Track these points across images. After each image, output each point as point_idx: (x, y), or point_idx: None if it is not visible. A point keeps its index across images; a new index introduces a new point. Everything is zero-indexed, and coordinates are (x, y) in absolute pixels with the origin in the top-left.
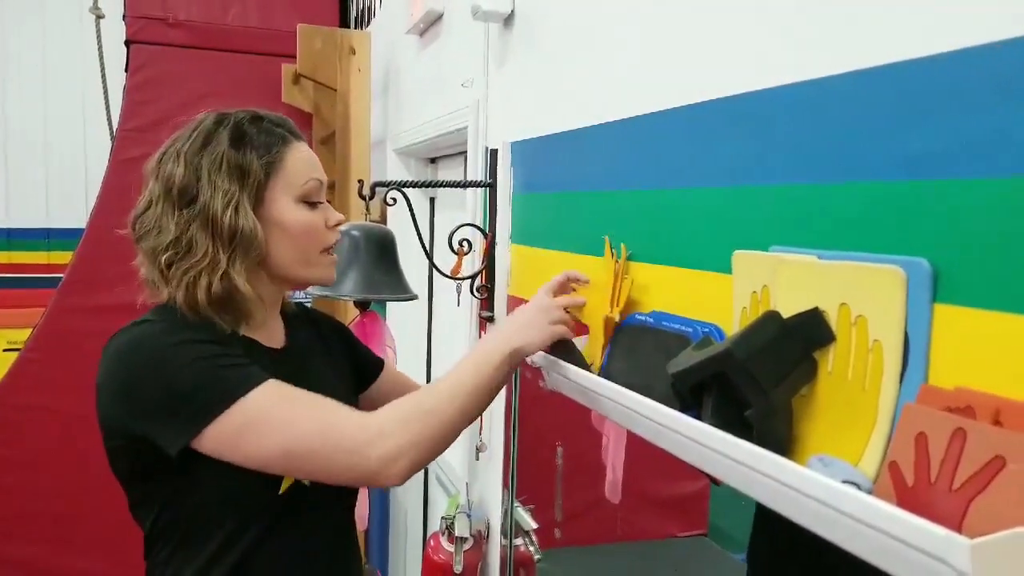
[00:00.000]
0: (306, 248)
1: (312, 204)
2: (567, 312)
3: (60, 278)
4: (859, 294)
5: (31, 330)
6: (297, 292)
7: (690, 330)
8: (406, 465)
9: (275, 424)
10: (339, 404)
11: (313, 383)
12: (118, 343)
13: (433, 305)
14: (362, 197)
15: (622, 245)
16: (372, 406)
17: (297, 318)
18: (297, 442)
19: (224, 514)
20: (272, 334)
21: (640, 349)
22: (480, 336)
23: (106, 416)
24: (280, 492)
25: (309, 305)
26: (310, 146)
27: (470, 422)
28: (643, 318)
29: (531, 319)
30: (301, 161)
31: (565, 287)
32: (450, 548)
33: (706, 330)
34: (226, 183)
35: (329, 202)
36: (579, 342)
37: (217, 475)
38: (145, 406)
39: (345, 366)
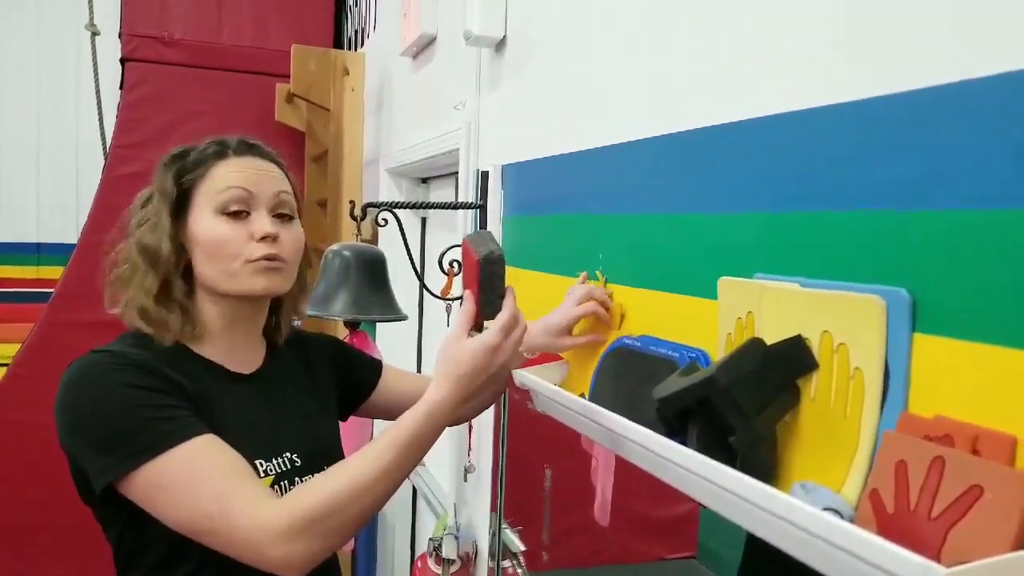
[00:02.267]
0: (222, 261)
1: (234, 215)
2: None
3: (50, 293)
4: (841, 322)
5: (19, 345)
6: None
7: (677, 355)
8: (299, 568)
9: (179, 494)
10: (255, 484)
11: (275, 410)
12: (68, 373)
13: (423, 326)
14: (353, 218)
15: (598, 271)
16: (382, 407)
17: (288, 343)
18: (197, 521)
19: (180, 545)
20: (243, 357)
21: (628, 373)
22: None
23: (59, 439)
24: None
25: (298, 323)
26: (300, 164)
27: (390, 496)
28: (631, 342)
29: (482, 386)
30: (227, 173)
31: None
32: (437, 570)
33: (693, 355)
34: (151, 206)
35: (289, 218)
36: (556, 367)
37: None
38: (81, 439)
39: (329, 392)
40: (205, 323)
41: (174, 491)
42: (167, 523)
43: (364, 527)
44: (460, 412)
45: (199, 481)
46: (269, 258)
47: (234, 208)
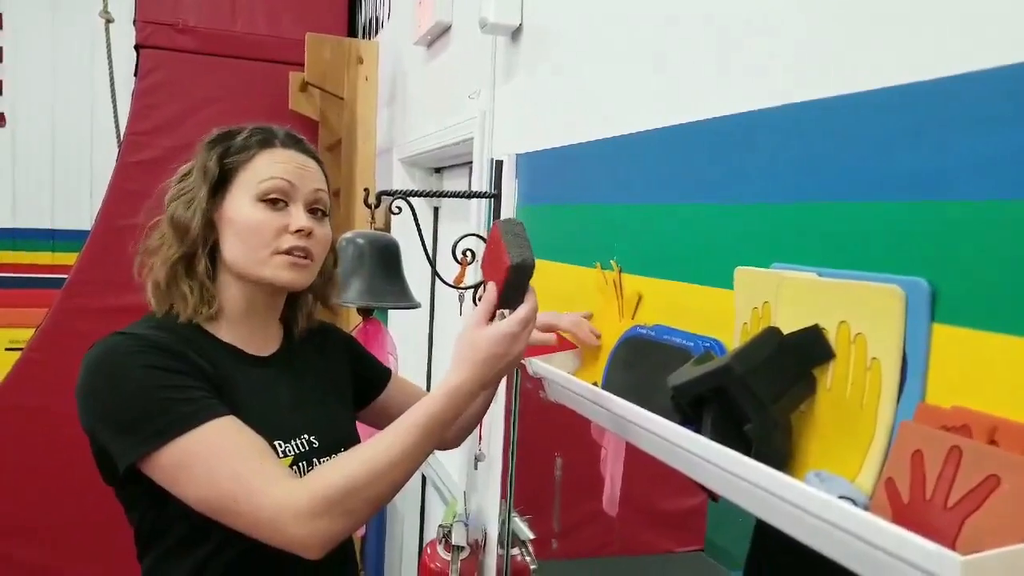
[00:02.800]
0: (254, 246)
1: (273, 204)
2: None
3: (64, 279)
4: (858, 312)
5: (34, 330)
6: None
7: (691, 344)
8: (320, 547)
9: (200, 473)
10: (275, 463)
11: (293, 393)
12: (90, 355)
13: (435, 314)
14: (367, 205)
15: (612, 260)
16: (381, 414)
17: (308, 333)
18: (218, 500)
19: (209, 519)
20: (260, 341)
21: (641, 362)
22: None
23: (81, 420)
24: None
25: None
26: (316, 158)
27: (410, 476)
28: (645, 331)
29: (497, 366)
30: (271, 162)
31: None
32: (446, 557)
33: (707, 344)
34: (189, 181)
35: (324, 215)
36: (570, 356)
37: None
38: (104, 420)
39: (345, 381)
40: (223, 304)
41: (195, 471)
42: (189, 503)
43: (383, 507)
44: (476, 398)
45: (220, 461)
46: (299, 253)
47: (273, 197)
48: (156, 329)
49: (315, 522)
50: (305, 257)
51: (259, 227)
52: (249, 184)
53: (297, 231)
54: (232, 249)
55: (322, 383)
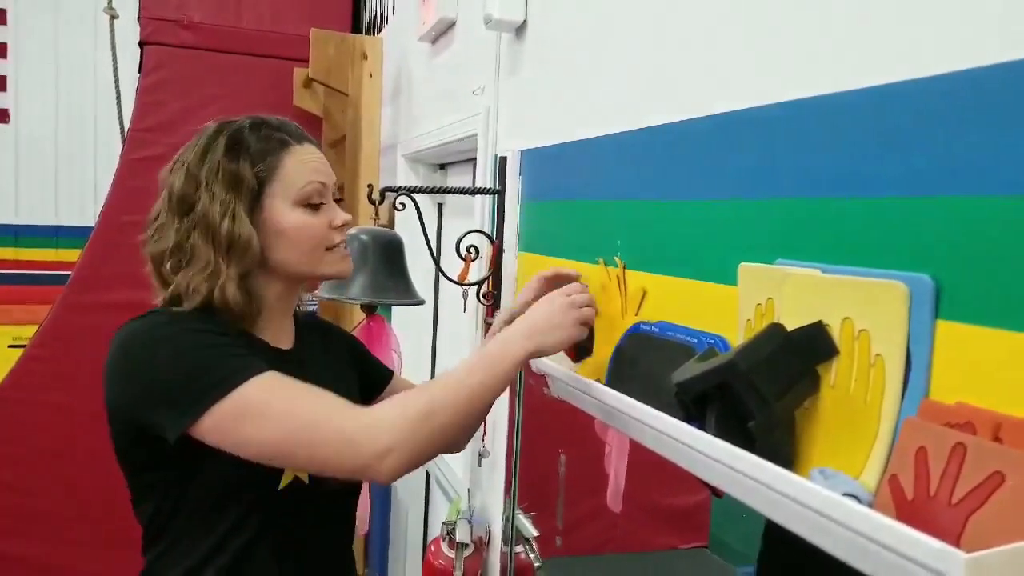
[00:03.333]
0: (308, 250)
1: (314, 207)
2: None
3: (68, 275)
4: (862, 309)
5: (37, 327)
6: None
7: (695, 341)
8: (397, 462)
9: (273, 413)
10: (339, 397)
11: (315, 383)
12: (124, 332)
13: (439, 311)
14: (371, 202)
15: (616, 256)
16: None
17: (307, 325)
18: (293, 433)
19: (222, 509)
20: (280, 335)
21: (644, 358)
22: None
23: (111, 403)
24: (280, 488)
25: (315, 307)
26: (320, 148)
27: (475, 423)
28: (648, 328)
29: (559, 320)
30: (300, 165)
31: (562, 278)
32: (450, 554)
33: (711, 341)
34: (222, 192)
35: (340, 201)
36: None
37: (217, 465)
38: (148, 391)
39: (351, 375)
40: (262, 305)
41: (265, 411)
42: (248, 449)
43: (452, 441)
44: (530, 331)
45: (289, 396)
46: (343, 243)
47: (315, 201)
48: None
49: (402, 437)
50: (345, 246)
51: (311, 231)
52: (286, 190)
53: (341, 225)
54: (283, 254)
55: (335, 375)
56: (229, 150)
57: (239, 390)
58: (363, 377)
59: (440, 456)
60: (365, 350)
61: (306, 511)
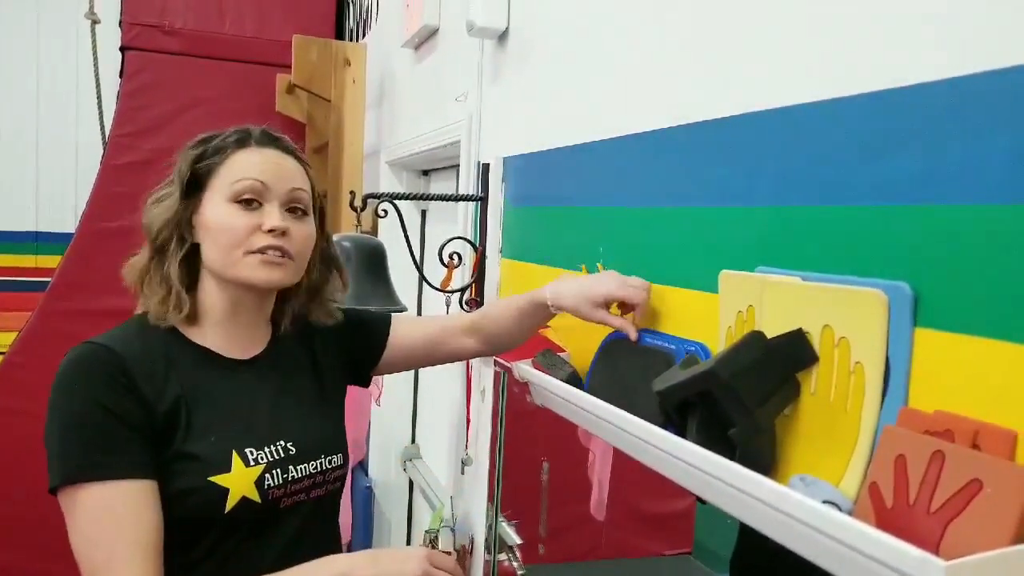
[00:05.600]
0: (226, 247)
1: (247, 204)
2: None
3: (47, 282)
4: (842, 316)
5: (16, 334)
6: None
7: (673, 347)
8: None
9: (76, 527)
10: (145, 564)
11: (272, 397)
12: (61, 365)
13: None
14: (353, 208)
15: (598, 263)
16: (398, 362)
17: (297, 331)
18: (82, 563)
19: (173, 531)
20: (244, 343)
21: (623, 365)
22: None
23: None
24: (226, 511)
25: None
26: (303, 154)
27: None
28: None
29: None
30: (243, 161)
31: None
32: None
33: (691, 348)
34: (165, 186)
35: (312, 212)
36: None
37: (161, 490)
38: (46, 436)
39: (337, 376)
40: (205, 307)
41: (74, 526)
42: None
43: None
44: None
45: (103, 529)
46: (274, 251)
47: (246, 197)
48: (136, 335)
49: None
50: (282, 256)
51: (231, 228)
52: (223, 185)
53: (270, 230)
54: (209, 251)
55: (307, 384)
56: (187, 149)
57: (71, 490)
58: (358, 352)
59: (423, 464)
60: (357, 318)
61: (266, 531)
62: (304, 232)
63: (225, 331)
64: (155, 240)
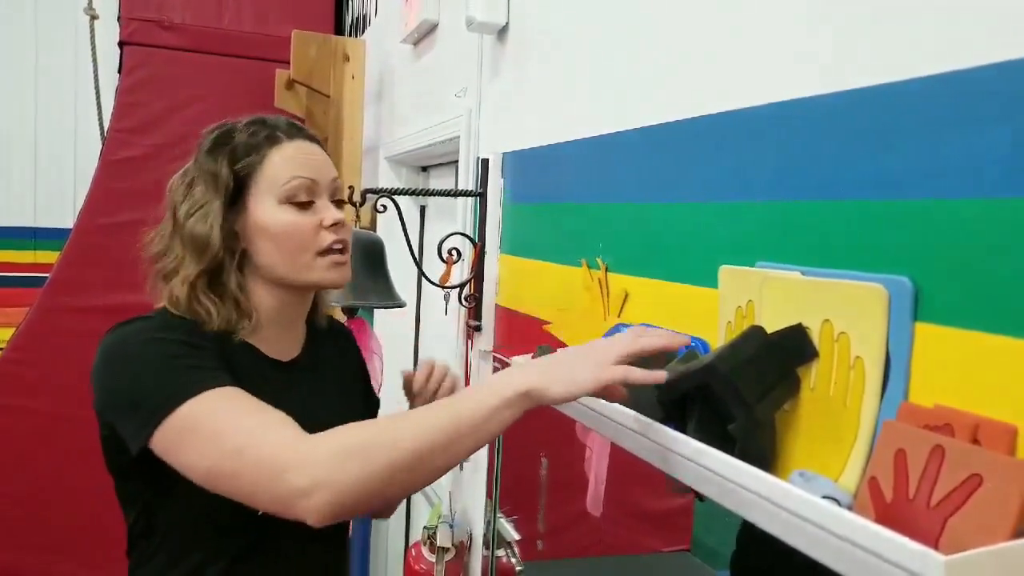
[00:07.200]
0: (291, 251)
1: (301, 204)
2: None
3: (46, 278)
4: (842, 311)
5: (13, 330)
6: None
7: None
8: (324, 503)
9: (204, 436)
10: (285, 421)
11: (309, 398)
12: (106, 340)
13: (421, 313)
14: (352, 204)
15: (598, 259)
16: None
17: (328, 332)
18: (218, 461)
19: (201, 530)
20: (283, 345)
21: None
22: (468, 344)
23: (96, 406)
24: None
25: None
26: (321, 145)
27: (433, 470)
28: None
29: (572, 360)
30: (285, 160)
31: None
32: (431, 558)
33: (691, 344)
34: (199, 192)
35: (344, 203)
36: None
37: (191, 488)
38: (116, 402)
39: (358, 387)
40: (259, 313)
41: (201, 433)
42: (193, 475)
43: (408, 483)
44: (533, 370)
45: (227, 420)
46: (338, 247)
47: (302, 198)
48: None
49: (321, 471)
50: (343, 251)
51: (295, 231)
52: (271, 187)
53: (332, 225)
54: (269, 256)
55: (341, 385)
56: (212, 149)
57: (181, 409)
58: (364, 392)
59: None
60: (367, 373)
61: (291, 534)
62: (348, 221)
63: (270, 333)
64: (206, 254)
